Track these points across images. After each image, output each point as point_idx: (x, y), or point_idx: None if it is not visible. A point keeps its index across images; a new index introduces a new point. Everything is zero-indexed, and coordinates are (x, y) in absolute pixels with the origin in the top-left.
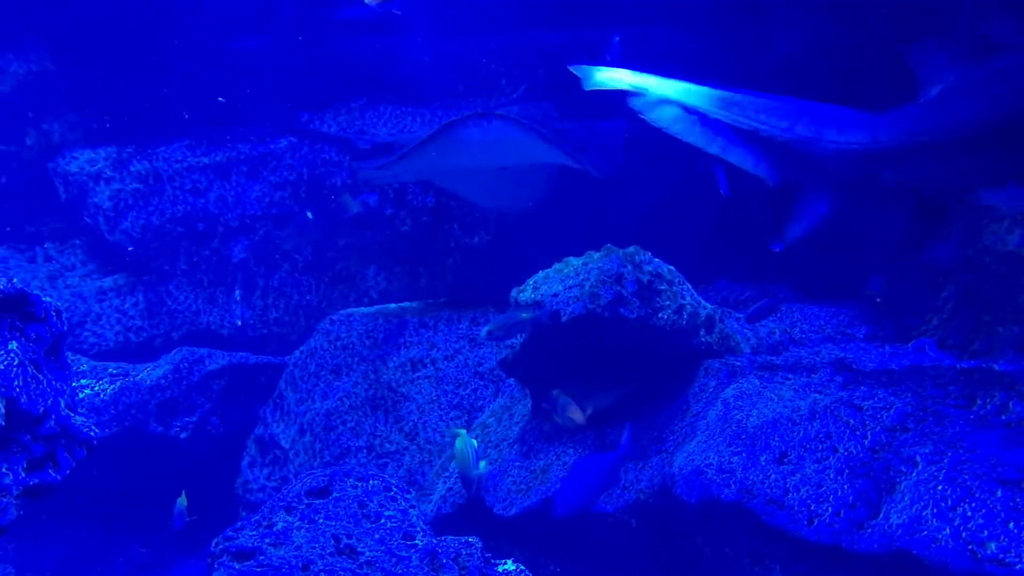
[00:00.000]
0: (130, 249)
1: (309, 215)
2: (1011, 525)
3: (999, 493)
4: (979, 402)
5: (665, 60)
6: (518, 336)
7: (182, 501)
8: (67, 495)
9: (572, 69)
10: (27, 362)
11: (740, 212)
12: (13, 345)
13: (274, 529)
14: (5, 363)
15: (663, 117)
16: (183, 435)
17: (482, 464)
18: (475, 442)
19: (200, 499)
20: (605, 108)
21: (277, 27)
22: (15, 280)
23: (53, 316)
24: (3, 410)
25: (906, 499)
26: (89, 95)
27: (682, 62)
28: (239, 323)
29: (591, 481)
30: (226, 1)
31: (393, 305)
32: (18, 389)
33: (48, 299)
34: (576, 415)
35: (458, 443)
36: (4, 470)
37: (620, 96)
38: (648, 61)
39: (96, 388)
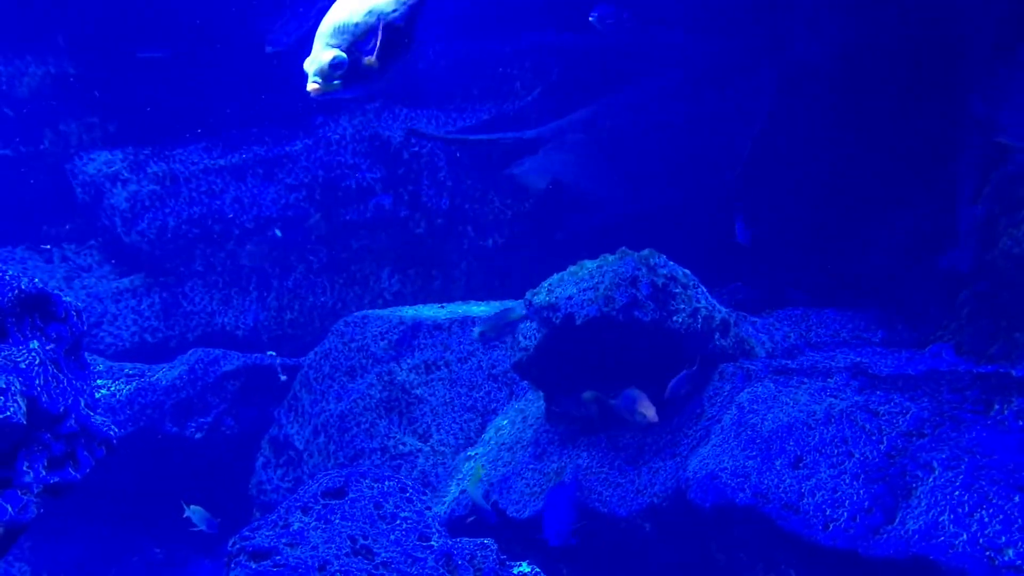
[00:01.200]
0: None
1: (278, 232)
2: None
3: (1017, 499)
4: (996, 407)
5: (680, 65)
6: (528, 338)
7: (194, 509)
8: (83, 494)
9: None
10: (48, 361)
11: (756, 217)
12: (34, 344)
13: (291, 529)
14: (27, 362)
15: None
16: (198, 436)
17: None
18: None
19: (214, 500)
20: None
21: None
22: (36, 280)
23: (73, 316)
24: (24, 409)
25: (923, 504)
26: (107, 97)
27: (699, 66)
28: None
29: (570, 507)
30: (237, 3)
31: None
32: (39, 388)
33: (68, 299)
34: (648, 411)
35: (471, 488)
36: (25, 468)
37: None
38: (664, 65)
39: (112, 388)
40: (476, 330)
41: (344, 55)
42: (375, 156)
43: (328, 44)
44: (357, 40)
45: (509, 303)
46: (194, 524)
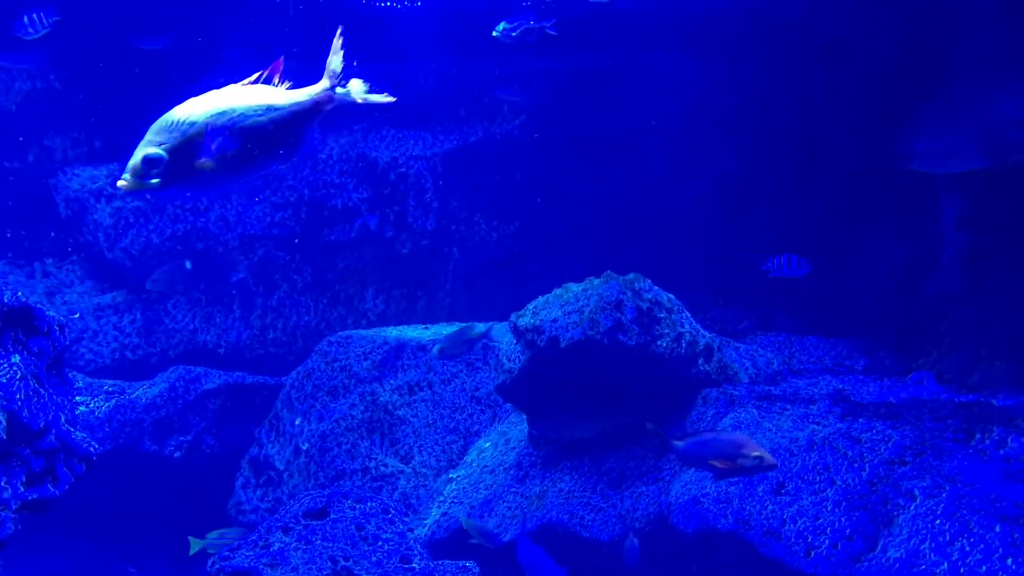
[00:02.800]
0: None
1: (188, 264)
2: (1009, 561)
3: (997, 528)
4: (977, 436)
5: (671, 87)
6: (512, 360)
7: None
8: (59, 511)
9: None
10: (29, 376)
11: (741, 242)
12: (16, 359)
13: (271, 550)
14: (7, 376)
15: None
16: (177, 454)
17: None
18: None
19: (193, 520)
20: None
21: (280, 47)
22: (19, 293)
23: (56, 331)
24: (4, 423)
25: (904, 533)
26: (93, 112)
27: (690, 90)
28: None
29: (542, 553)
30: (226, 21)
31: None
32: (20, 403)
33: (51, 313)
34: (768, 455)
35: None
36: (3, 484)
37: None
38: (658, 88)
39: (91, 405)
40: (435, 348)
41: (162, 153)
42: (361, 176)
43: (150, 140)
44: (188, 139)
45: (495, 325)
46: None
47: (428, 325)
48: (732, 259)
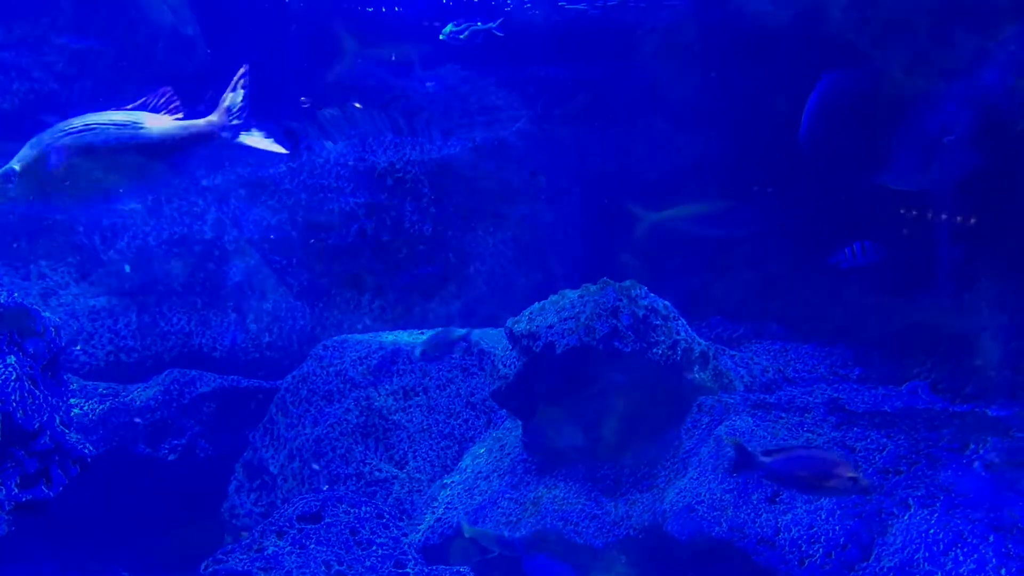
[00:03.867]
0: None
1: (127, 268)
2: (1003, 572)
3: (991, 538)
4: (972, 446)
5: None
6: (508, 366)
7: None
8: (51, 514)
9: None
10: (24, 377)
11: (738, 249)
12: (11, 359)
13: (265, 553)
14: (3, 377)
15: None
16: (171, 458)
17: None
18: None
19: (186, 523)
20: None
21: (282, 55)
22: (16, 294)
23: (52, 332)
24: None
25: (898, 542)
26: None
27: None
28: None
29: None
30: (224, 26)
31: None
32: (14, 404)
33: (48, 315)
34: (863, 478)
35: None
36: None
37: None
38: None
39: (85, 408)
40: (417, 351)
41: (15, 167)
42: (359, 181)
43: (18, 154)
44: (42, 156)
45: (490, 330)
46: None
47: (424, 330)
48: (728, 268)
